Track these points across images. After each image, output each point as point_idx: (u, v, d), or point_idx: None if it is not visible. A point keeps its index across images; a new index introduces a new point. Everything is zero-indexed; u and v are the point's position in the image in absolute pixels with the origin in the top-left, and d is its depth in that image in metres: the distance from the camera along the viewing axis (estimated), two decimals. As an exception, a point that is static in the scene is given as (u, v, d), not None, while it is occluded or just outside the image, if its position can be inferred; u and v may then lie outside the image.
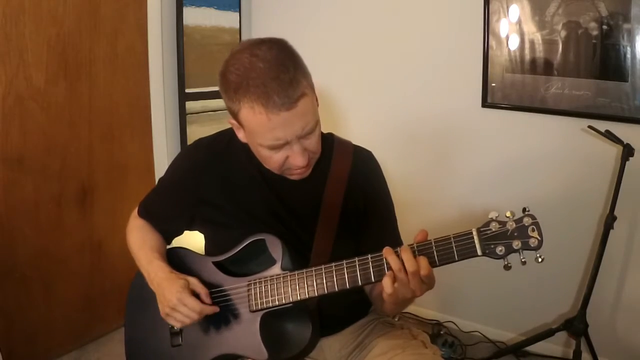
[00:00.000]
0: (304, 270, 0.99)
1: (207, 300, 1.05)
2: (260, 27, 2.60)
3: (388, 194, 1.19)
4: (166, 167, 1.24)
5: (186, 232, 1.23)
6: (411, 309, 2.40)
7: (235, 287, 1.06)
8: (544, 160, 2.02)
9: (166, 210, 1.20)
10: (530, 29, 1.95)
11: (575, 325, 1.81)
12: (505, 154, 2.12)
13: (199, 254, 1.17)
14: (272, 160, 0.99)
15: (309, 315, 1.05)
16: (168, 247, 1.23)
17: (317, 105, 1.00)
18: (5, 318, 1.86)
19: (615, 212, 1.74)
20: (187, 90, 2.30)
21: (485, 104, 2.10)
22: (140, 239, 1.19)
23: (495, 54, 2.03)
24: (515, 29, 1.98)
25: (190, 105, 2.33)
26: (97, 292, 2.17)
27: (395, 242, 0.97)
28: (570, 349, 1.95)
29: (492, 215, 0.89)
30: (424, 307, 2.41)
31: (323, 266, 0.97)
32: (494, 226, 0.88)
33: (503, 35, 2.01)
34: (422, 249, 0.90)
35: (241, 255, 1.07)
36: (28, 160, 1.86)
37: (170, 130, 2.31)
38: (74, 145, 2.00)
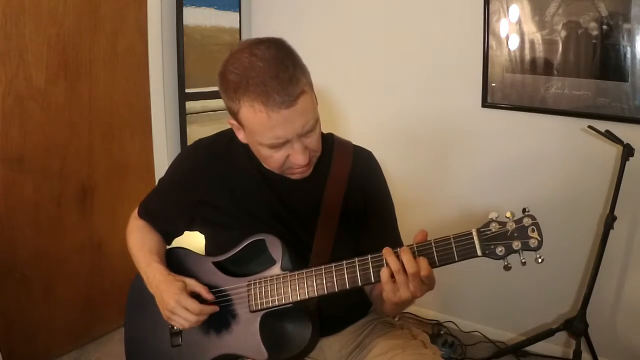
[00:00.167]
0: (304, 271, 0.99)
1: (209, 296, 1.05)
2: (260, 27, 2.60)
3: (388, 194, 1.18)
4: (166, 167, 1.24)
5: (186, 232, 1.23)
6: (411, 309, 2.40)
7: (235, 288, 1.06)
8: (544, 161, 2.02)
9: (166, 211, 1.20)
10: (530, 29, 1.95)
11: (575, 325, 1.81)
12: (505, 154, 2.12)
13: (199, 254, 1.17)
14: (272, 159, 0.99)
15: (309, 315, 1.05)
16: (168, 247, 1.23)
17: (317, 104, 1.00)
18: (5, 318, 1.86)
19: (615, 212, 1.74)
20: (187, 90, 2.30)
21: (485, 104, 2.10)
22: (139, 241, 1.19)
23: (495, 54, 2.03)
24: (515, 29, 1.98)
25: (190, 105, 2.33)
26: (97, 292, 2.17)
27: (395, 242, 0.97)
28: (570, 349, 1.95)
29: (492, 215, 0.88)
30: (424, 307, 2.41)
31: (323, 266, 0.97)
32: (494, 227, 0.88)
33: (503, 35, 2.01)
34: (422, 249, 0.90)
35: (241, 255, 1.07)
36: (28, 160, 1.86)
37: (170, 130, 2.31)
38: (74, 145, 2.00)
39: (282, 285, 1.00)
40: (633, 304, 1.94)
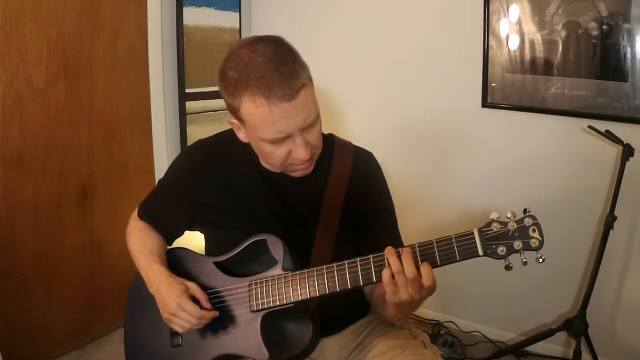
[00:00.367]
0: (305, 271, 0.99)
1: (207, 305, 1.05)
2: (260, 27, 2.60)
3: (388, 195, 1.18)
4: (166, 167, 1.24)
5: (187, 232, 1.23)
6: (411, 308, 2.40)
7: (236, 288, 1.06)
8: (544, 161, 2.03)
9: (166, 212, 1.20)
10: (530, 29, 1.95)
11: (575, 325, 1.81)
12: (505, 154, 2.12)
13: (200, 254, 1.17)
14: (274, 155, 0.99)
15: (309, 315, 1.04)
16: (168, 247, 1.23)
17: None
18: (5, 318, 1.86)
19: (615, 212, 1.75)
20: (187, 90, 2.30)
21: (485, 104, 2.10)
22: (140, 241, 1.19)
23: (495, 54, 2.04)
24: (515, 29, 1.98)
25: (190, 105, 2.33)
26: (97, 292, 2.16)
27: (395, 243, 0.97)
28: (570, 349, 1.95)
29: (493, 215, 0.89)
30: (424, 307, 2.40)
31: (324, 266, 0.97)
32: (495, 226, 0.88)
33: (503, 35, 2.01)
34: (423, 249, 0.90)
35: (242, 255, 1.07)
36: (28, 160, 1.86)
37: (170, 130, 2.31)
38: (74, 145, 2.00)
39: (284, 285, 1.00)
40: (633, 304, 1.94)
